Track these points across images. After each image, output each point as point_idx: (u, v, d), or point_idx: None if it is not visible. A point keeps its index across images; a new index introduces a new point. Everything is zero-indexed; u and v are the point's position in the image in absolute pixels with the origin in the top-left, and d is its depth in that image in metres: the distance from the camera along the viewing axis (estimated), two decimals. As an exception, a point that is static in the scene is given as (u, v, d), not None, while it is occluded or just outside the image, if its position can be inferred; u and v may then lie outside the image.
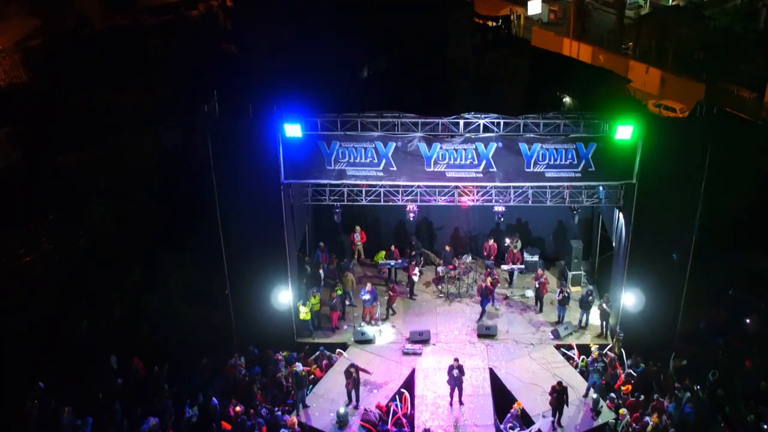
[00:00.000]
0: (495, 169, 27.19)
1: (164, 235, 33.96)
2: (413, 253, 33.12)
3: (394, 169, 27.36)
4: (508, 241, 33.11)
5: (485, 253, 33.42)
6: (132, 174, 36.25)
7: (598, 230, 32.72)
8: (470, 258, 33.37)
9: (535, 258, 33.29)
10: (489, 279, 31.21)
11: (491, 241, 33.25)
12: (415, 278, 32.09)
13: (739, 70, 48.15)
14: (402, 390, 27.57)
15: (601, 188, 27.95)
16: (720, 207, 31.06)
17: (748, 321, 30.49)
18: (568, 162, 26.89)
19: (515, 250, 32.86)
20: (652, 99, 49.78)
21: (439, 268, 32.88)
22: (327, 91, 34.13)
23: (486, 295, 30.72)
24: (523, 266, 32.90)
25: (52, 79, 39.19)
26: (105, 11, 45.85)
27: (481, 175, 27.35)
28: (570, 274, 32.24)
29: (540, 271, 31.69)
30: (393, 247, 33.06)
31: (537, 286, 31.38)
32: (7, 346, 27.94)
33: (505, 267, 32.79)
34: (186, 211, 33.52)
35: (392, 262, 32.81)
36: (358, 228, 33.59)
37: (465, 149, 26.95)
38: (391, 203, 28.62)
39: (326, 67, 37.98)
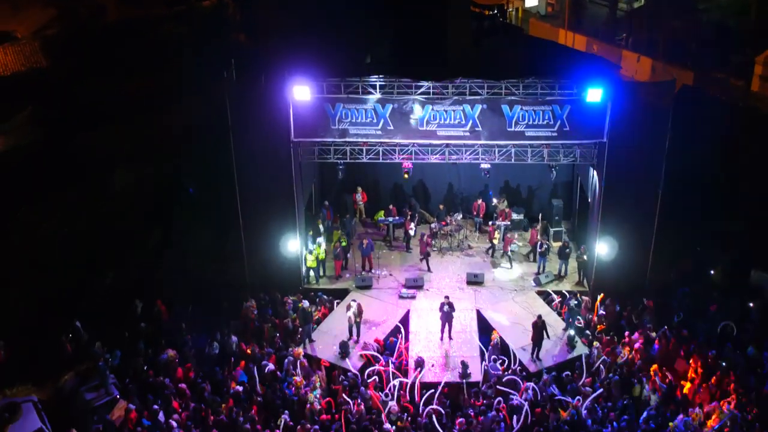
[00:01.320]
0: (480, 129, 30.25)
1: (183, 197, 36.55)
2: (410, 213, 36.11)
3: (391, 128, 30.47)
4: (495, 201, 36.20)
5: (474, 212, 36.54)
6: (152, 142, 38.56)
7: (577, 191, 35.62)
8: (461, 216, 36.49)
9: (521, 216, 36.28)
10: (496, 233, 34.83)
11: (480, 201, 36.38)
12: (411, 233, 35.11)
13: (730, 61, 49.76)
14: (398, 324, 30.50)
15: (577, 149, 31.03)
16: (685, 168, 34.01)
17: (712, 272, 33.07)
18: (545, 122, 29.94)
19: (504, 208, 35.82)
20: (643, 86, 51.90)
21: (433, 225, 35.86)
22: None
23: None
24: (509, 223, 35.74)
25: (70, 66, 40.48)
26: (119, 2, 46.82)
27: (468, 133, 30.42)
28: (552, 231, 35.17)
29: (534, 231, 34.97)
30: (391, 206, 36.17)
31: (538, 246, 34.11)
32: (46, 294, 30.39)
33: (496, 224, 35.50)
34: (204, 175, 36.04)
35: (390, 219, 35.87)
36: (359, 188, 36.70)
37: (453, 110, 30.08)
38: (389, 161, 31.67)
39: (331, 53, 40.19)
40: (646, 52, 52.49)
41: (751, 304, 30.51)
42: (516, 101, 29.71)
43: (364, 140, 31.00)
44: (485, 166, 31.70)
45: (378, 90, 29.78)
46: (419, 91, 29.73)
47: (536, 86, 29.40)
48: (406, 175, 32.23)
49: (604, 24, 60.28)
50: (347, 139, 30.95)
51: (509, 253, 34.52)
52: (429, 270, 34.19)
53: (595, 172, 31.46)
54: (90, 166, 36.00)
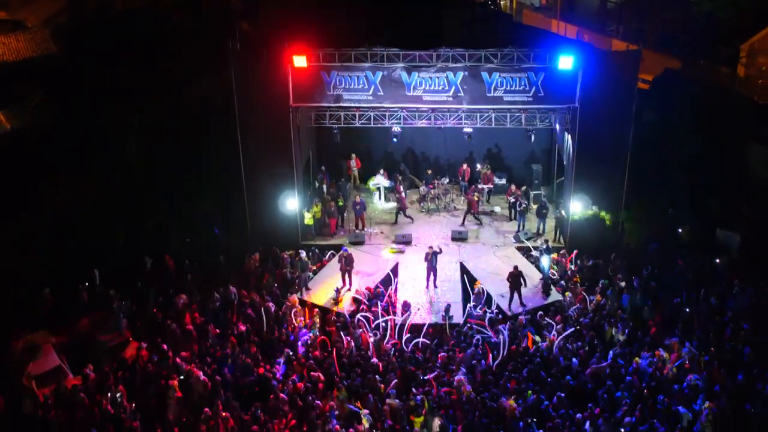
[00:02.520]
0: (462, 94, 32.22)
1: (191, 166, 38.05)
2: (400, 177, 38.05)
3: (381, 93, 32.46)
4: (479, 166, 38.18)
5: (460, 177, 38.49)
6: (161, 119, 40.02)
7: (555, 158, 37.54)
8: (447, 180, 38.46)
9: (503, 181, 38.22)
10: (476, 194, 36.47)
11: (465, 166, 38.37)
12: (402, 193, 37.05)
13: (718, 51, 51.02)
14: (389, 273, 32.44)
15: (552, 114, 32.97)
16: (663, 140, 36.04)
17: (680, 230, 34.95)
18: (521, 88, 31.91)
19: (487, 172, 37.78)
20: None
21: (422, 188, 37.83)
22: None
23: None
24: (493, 186, 37.71)
25: (79, 53, 41.60)
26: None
27: (451, 98, 32.40)
28: (532, 194, 37.06)
29: (513, 187, 36.85)
30: (382, 171, 38.16)
31: (511, 201, 36.36)
32: (64, 251, 32.29)
33: (480, 186, 37.60)
34: (210, 144, 37.91)
35: (382, 184, 37.92)
36: (353, 155, 38.69)
37: (438, 77, 32.08)
38: (380, 126, 33.67)
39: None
40: (635, 41, 53.36)
41: (717, 261, 32.19)
42: (495, 69, 31.70)
43: (357, 105, 32.95)
44: (468, 130, 33.79)
45: (369, 59, 31.70)
46: (407, 59, 31.64)
47: (513, 55, 31.34)
48: (395, 139, 34.16)
49: (595, 15, 61.27)
50: (341, 105, 32.95)
51: (476, 214, 36.57)
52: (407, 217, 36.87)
53: (569, 137, 33.32)
54: (103, 140, 37.77)
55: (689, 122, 38.98)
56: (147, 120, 39.29)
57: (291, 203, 33.67)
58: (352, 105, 33.12)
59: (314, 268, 33.31)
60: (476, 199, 36.25)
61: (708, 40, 47.38)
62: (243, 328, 28.91)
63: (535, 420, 24.14)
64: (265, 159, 33.65)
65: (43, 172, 34.84)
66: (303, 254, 32.18)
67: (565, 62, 30.62)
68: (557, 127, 35.09)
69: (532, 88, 31.87)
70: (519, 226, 35.53)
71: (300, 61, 31.46)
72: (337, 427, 23.74)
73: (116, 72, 39.57)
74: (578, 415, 24.22)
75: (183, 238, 35.06)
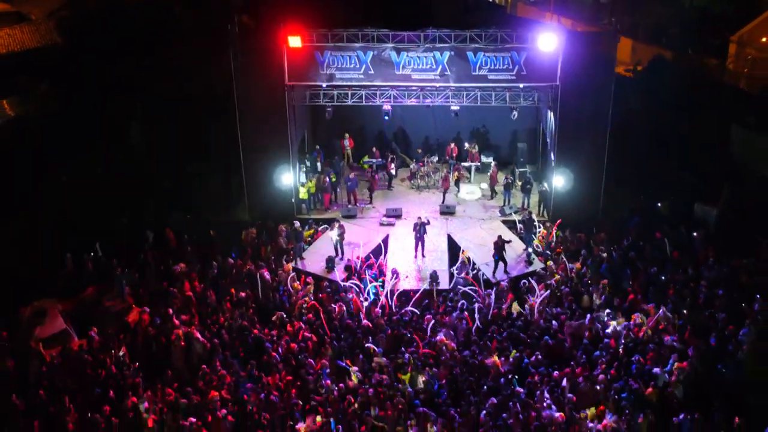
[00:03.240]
0: (449, 73, 33.19)
1: (191, 147, 39.13)
2: (391, 156, 39.01)
3: (372, 72, 33.42)
4: (467, 145, 39.15)
5: (448, 156, 39.44)
6: (163, 104, 41.11)
7: (539, 137, 38.47)
8: (436, 159, 39.44)
9: (490, 160, 39.16)
10: (456, 173, 37.29)
11: (453, 145, 39.35)
12: (392, 172, 38.02)
13: (710, 44, 51.80)
14: (380, 243, 33.42)
15: (535, 92, 33.90)
16: (648, 122, 37.05)
17: (659, 205, 35.93)
18: (505, 67, 32.90)
19: (473, 151, 38.74)
20: (623, 65, 53.87)
21: (412, 166, 38.79)
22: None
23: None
24: (479, 164, 38.67)
25: (83, 44, 42.35)
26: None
27: (438, 77, 33.36)
28: (517, 171, 38.02)
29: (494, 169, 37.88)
30: (374, 149, 39.17)
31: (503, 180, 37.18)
32: (71, 228, 33.30)
33: (465, 164, 38.66)
34: (210, 124, 38.92)
35: (374, 160, 38.80)
36: (347, 135, 39.65)
37: (425, 56, 33.07)
38: (371, 104, 34.73)
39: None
40: (627, 34, 53.97)
41: (695, 234, 33.11)
42: (479, 48, 32.67)
43: (349, 84, 33.90)
44: (455, 108, 34.70)
45: (360, 39, 32.68)
46: (396, 40, 32.64)
47: (497, 35, 32.30)
48: (386, 117, 35.15)
49: (588, 8, 61.90)
50: (334, 83, 33.93)
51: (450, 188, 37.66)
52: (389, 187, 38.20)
53: (551, 114, 34.26)
54: (107, 124, 39.05)
55: (675, 107, 39.99)
56: (149, 104, 40.57)
57: (286, 178, 34.59)
58: (344, 84, 34.05)
59: (308, 239, 34.13)
60: (456, 177, 37.39)
61: (699, 32, 47.95)
62: (243, 294, 29.74)
63: (516, 377, 25.03)
64: (262, 137, 34.57)
65: (50, 155, 35.93)
66: (297, 224, 33.13)
67: (546, 42, 31.57)
68: (546, 110, 35.78)
69: (515, 67, 32.81)
70: (504, 201, 36.46)
71: (295, 42, 32.46)
72: (328, 382, 24.72)
73: (119, 61, 40.65)
74: (555, 373, 25.11)
75: (184, 216, 35.90)
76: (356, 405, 23.99)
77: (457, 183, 37.89)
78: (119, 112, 39.92)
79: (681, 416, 23.01)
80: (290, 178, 34.84)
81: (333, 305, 29.07)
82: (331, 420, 23.26)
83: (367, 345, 26.63)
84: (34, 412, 23.46)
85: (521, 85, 33.95)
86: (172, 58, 40.85)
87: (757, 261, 30.76)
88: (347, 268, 31.68)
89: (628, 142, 36.67)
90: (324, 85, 34.49)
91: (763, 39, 49.82)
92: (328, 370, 25.54)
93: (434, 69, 33.27)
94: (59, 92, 39.92)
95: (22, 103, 38.54)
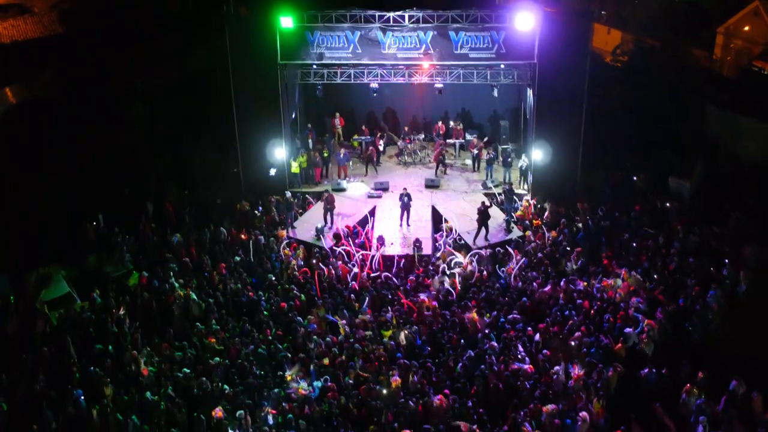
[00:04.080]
0: (432, 51, 34.20)
1: (190, 125, 40.22)
2: (380, 133, 39.99)
3: (360, 51, 34.44)
4: (452, 123, 40.16)
5: (435, 134, 40.44)
6: (163, 82, 42.41)
7: (521, 116, 39.41)
8: (423, 137, 40.46)
9: (473, 137, 40.07)
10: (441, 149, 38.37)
11: (440, 123, 40.34)
12: (380, 147, 38.99)
13: (699, 36, 52.59)
14: (367, 215, 34.40)
15: (515, 70, 34.86)
16: (630, 103, 38.18)
17: (635, 178, 36.74)
18: (485, 46, 33.88)
19: (458, 128, 39.73)
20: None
21: (399, 143, 39.76)
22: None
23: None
24: (464, 141, 39.66)
25: (84, 33, 43.26)
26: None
27: (422, 55, 34.34)
28: (500, 148, 38.98)
29: (475, 140, 38.87)
30: (363, 127, 40.13)
31: (474, 153, 38.36)
32: (78, 200, 34.22)
33: (450, 141, 39.59)
34: (207, 104, 39.95)
35: (363, 138, 39.75)
36: (337, 114, 40.55)
37: (410, 36, 34.08)
38: (359, 82, 35.77)
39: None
40: (616, 25, 54.57)
41: (668, 205, 34.12)
42: (461, 28, 33.71)
43: (338, 63, 34.89)
44: (438, 85, 35.67)
45: (348, 19, 33.77)
46: (382, 20, 33.71)
47: (477, 15, 33.32)
48: (375, 94, 36.49)
49: (579, 2, 62.38)
50: (324, 62, 34.97)
51: (442, 160, 38.65)
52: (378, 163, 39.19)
53: (530, 92, 35.23)
54: (109, 104, 40.09)
55: (655, 89, 40.90)
56: (149, 85, 41.73)
57: (279, 152, 35.55)
58: (334, 62, 35.08)
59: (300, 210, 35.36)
60: (439, 150, 38.52)
61: (688, 25, 48.60)
62: (237, 259, 30.82)
63: (494, 333, 26.06)
64: (256, 114, 35.55)
65: (55, 133, 36.80)
66: (288, 194, 34.15)
67: (523, 22, 32.59)
68: (526, 89, 36.70)
69: (495, 45, 33.83)
70: (486, 175, 37.42)
71: (286, 22, 33.50)
72: (317, 333, 25.83)
73: (120, 47, 41.74)
74: (528, 328, 26.15)
75: (182, 192, 36.75)
76: (343, 357, 25.03)
77: (442, 161, 38.68)
78: (121, 93, 40.97)
79: (647, 370, 23.97)
80: (283, 153, 35.77)
81: (322, 268, 29.97)
82: (312, 371, 24.28)
83: (353, 303, 27.67)
84: (40, 368, 24.41)
85: (502, 65, 35.05)
86: (171, 42, 41.60)
87: (728, 230, 31.69)
88: (336, 236, 32.68)
89: (610, 121, 37.65)
90: (315, 66, 35.62)
91: (746, 28, 50.68)
92: (315, 326, 26.52)
93: (418, 48, 34.25)
94: (62, 77, 40.87)
95: (25, 90, 39.48)
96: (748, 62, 48.24)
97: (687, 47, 49.98)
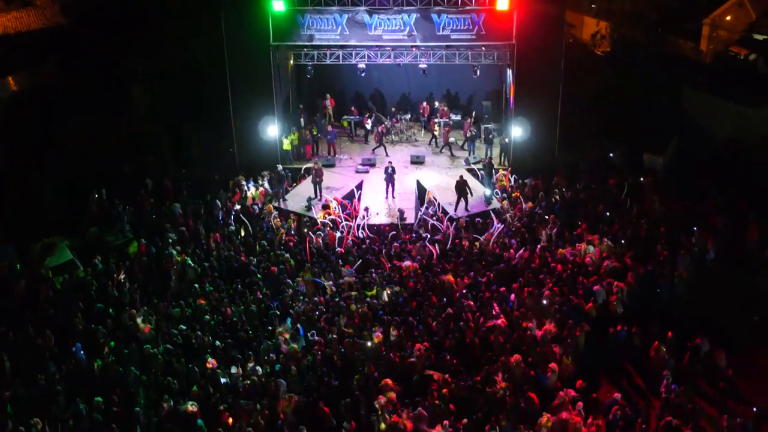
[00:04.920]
0: (416, 33, 35.30)
1: (187, 105, 41.00)
2: (368, 113, 41.07)
3: (347, 33, 35.52)
4: (437, 104, 41.25)
5: (420, 112, 41.57)
6: (162, 66, 43.37)
7: (503, 97, 40.47)
8: (409, 117, 41.58)
9: (458, 117, 41.17)
10: (436, 126, 39.74)
11: (425, 104, 41.49)
12: (368, 126, 40.07)
13: (687, 28, 53.45)
14: (354, 188, 35.61)
15: (495, 51, 35.94)
16: (609, 88, 39.57)
17: (612, 155, 38.01)
18: (466, 27, 34.96)
19: (444, 108, 40.82)
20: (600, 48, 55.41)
21: (386, 122, 40.82)
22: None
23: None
24: (449, 120, 40.64)
25: (86, 23, 43.95)
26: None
27: (406, 37, 35.45)
28: (483, 127, 40.03)
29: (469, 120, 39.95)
30: (353, 107, 41.28)
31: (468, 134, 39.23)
32: (81, 176, 35.44)
33: (436, 120, 40.53)
34: (203, 87, 40.67)
35: (352, 117, 40.91)
36: (328, 95, 41.63)
37: (394, 18, 35.17)
38: (348, 63, 36.89)
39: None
40: (606, 18, 55.19)
41: (642, 179, 35.32)
42: (442, 10, 34.83)
43: (327, 45, 36.01)
44: (423, 66, 36.79)
45: (336, 2, 34.92)
46: (368, 2, 34.85)
47: (458, -1, 34.50)
48: (362, 74, 37.60)
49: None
50: (314, 44, 36.09)
51: (449, 143, 39.38)
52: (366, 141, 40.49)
53: (510, 72, 36.30)
54: (111, 87, 40.94)
55: (637, 74, 42.57)
56: (149, 69, 42.78)
57: (271, 130, 36.63)
58: (323, 44, 36.18)
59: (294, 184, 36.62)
60: (437, 129, 39.65)
61: (676, 17, 49.64)
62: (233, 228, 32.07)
63: (471, 293, 27.20)
64: (250, 94, 36.69)
65: (59, 115, 38.11)
66: (279, 167, 35.25)
67: (503, 2, 33.66)
68: (507, 70, 37.70)
69: (475, 27, 34.92)
70: (469, 152, 38.50)
71: (278, 5, 34.68)
72: (305, 294, 26.99)
73: (121, 35, 42.66)
74: (503, 289, 27.27)
75: (180, 168, 38.05)
76: (329, 314, 26.18)
77: (449, 143, 39.75)
78: (121, 77, 41.89)
79: (618, 328, 25.06)
80: (275, 130, 36.79)
81: (312, 236, 31.11)
82: (299, 327, 25.42)
83: (339, 266, 28.82)
84: (45, 328, 25.44)
85: (483, 48, 36.20)
86: (170, 28, 42.62)
87: (698, 202, 33.01)
88: (324, 206, 33.81)
89: (590, 101, 38.76)
90: (305, 49, 36.85)
91: (727, 18, 51.51)
92: (303, 287, 27.66)
93: (402, 30, 35.34)
94: (64, 65, 41.99)
95: (29, 77, 40.56)
96: (725, 48, 49.01)
97: (674, 39, 50.71)
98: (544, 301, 26.56)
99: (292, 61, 37.32)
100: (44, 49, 42.14)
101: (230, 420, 22.11)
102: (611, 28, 50.39)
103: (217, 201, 33.78)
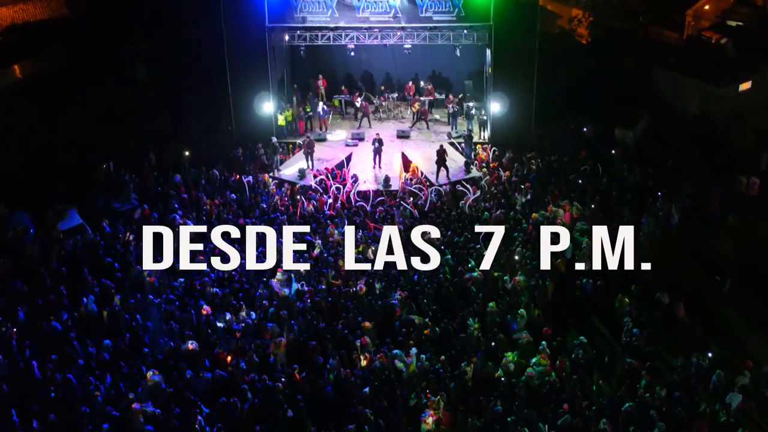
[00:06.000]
0: (401, 15, 36.84)
1: (188, 86, 42.50)
2: (358, 92, 42.60)
3: (337, 15, 37.03)
4: (422, 83, 42.83)
5: (406, 93, 43.12)
6: (165, 46, 45.14)
7: (484, 76, 41.90)
8: (396, 95, 43.20)
9: (443, 96, 42.71)
10: (417, 104, 41.12)
11: (410, 84, 43.00)
12: (357, 104, 41.61)
13: (672, 20, 54.58)
14: (344, 159, 37.21)
15: (474, 32, 37.51)
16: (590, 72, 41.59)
17: (585, 129, 39.44)
18: (447, 9, 36.47)
19: (429, 87, 42.40)
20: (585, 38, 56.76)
21: (375, 100, 42.44)
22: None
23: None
24: (434, 98, 42.29)
25: (90, 12, 46.20)
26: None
27: (392, 19, 36.97)
28: (465, 105, 41.57)
29: (451, 97, 41.47)
30: (343, 87, 42.81)
31: (450, 109, 40.91)
32: (89, 150, 36.83)
33: (422, 98, 42.08)
34: (203, 66, 42.26)
35: (343, 96, 42.51)
36: (320, 76, 43.09)
37: (380, 1, 36.74)
38: (338, 44, 38.45)
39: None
40: (592, 10, 55.77)
41: (613, 152, 37.01)
42: (425, -7, 36.39)
43: (318, 26, 37.55)
44: (407, 46, 38.30)
45: (326, -13, 36.52)
46: (355, -13, 36.44)
47: (439, -19, 36.02)
48: (352, 53, 39.26)
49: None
50: (306, 25, 37.53)
51: (427, 120, 41.10)
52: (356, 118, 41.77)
53: (489, 51, 37.87)
54: (116, 67, 42.98)
55: (613, 57, 43.80)
56: (153, 49, 44.75)
57: (267, 106, 38.21)
58: (314, 26, 37.61)
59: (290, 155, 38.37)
60: (417, 107, 41.08)
61: (662, 9, 50.16)
62: (234, 195, 33.75)
63: (449, 250, 28.90)
64: (247, 73, 38.14)
65: (68, 94, 39.91)
66: (274, 139, 36.91)
67: (479, -17, 35.34)
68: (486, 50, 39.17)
69: (456, 9, 36.45)
70: (452, 127, 40.10)
71: (273, -12, 36.21)
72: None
73: (125, 23, 44.63)
74: (479, 246, 28.95)
75: (181, 148, 38.93)
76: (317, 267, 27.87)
77: (420, 117, 41.34)
78: (126, 59, 43.59)
79: (585, 281, 26.69)
80: (270, 107, 38.36)
81: (304, 202, 32.78)
82: (293, 276, 27.09)
83: (328, 227, 30.52)
84: (58, 284, 27.10)
85: (465, 31, 37.58)
86: (171, 11, 44.25)
87: (665, 171, 34.64)
88: (315, 175, 35.41)
89: (569, 83, 40.34)
90: (298, 31, 38.22)
91: (706, 7, 52.56)
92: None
93: (388, 12, 36.81)
94: (69, 51, 43.78)
95: (34, 64, 42.03)
96: (697, 33, 50.16)
97: (659, 29, 51.77)
98: (516, 257, 28.06)
99: (286, 42, 38.44)
100: (49, 38, 43.78)
101: (228, 358, 23.73)
102: (590, 15, 51.33)
103: (215, 171, 35.06)
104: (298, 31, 38.03)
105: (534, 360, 23.42)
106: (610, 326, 26.07)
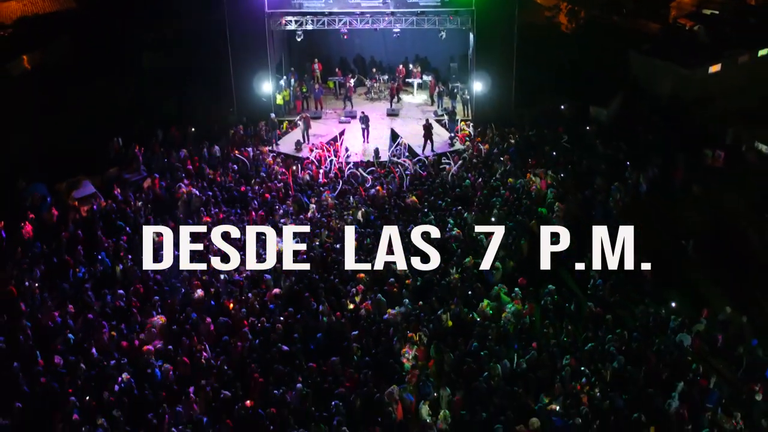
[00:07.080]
0: (389, 1, 38.48)
1: (191, 69, 44.04)
2: (350, 74, 44.36)
3: (331, 2, 38.63)
4: (411, 66, 44.60)
5: (396, 74, 44.88)
6: (169, 33, 46.82)
7: (471, 60, 43.43)
8: (387, 78, 44.98)
9: (430, 78, 44.38)
10: (396, 83, 42.96)
11: (401, 66, 44.70)
12: (350, 84, 43.30)
13: (658, 13, 55.66)
14: (337, 135, 39.03)
15: (458, 17, 39.20)
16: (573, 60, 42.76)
17: (562, 107, 40.86)
18: (432, -5, 38.30)
19: (416, 70, 44.20)
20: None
21: (367, 82, 44.19)
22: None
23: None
24: (421, 80, 44.07)
25: (96, 4, 47.07)
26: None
27: (381, 4, 38.59)
28: (450, 86, 43.27)
29: (432, 82, 43.27)
30: (337, 69, 44.51)
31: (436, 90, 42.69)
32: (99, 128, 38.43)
33: (409, 80, 44.00)
34: (206, 54, 43.66)
35: (337, 78, 44.21)
36: (316, 60, 44.78)
37: (371, -11, 38.44)
38: (332, 28, 40.04)
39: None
40: (581, 4, 56.91)
41: (588, 128, 38.61)
42: (411, -20, 38.07)
43: (313, 12, 39.14)
44: (396, 30, 39.82)
45: (321, -25, 38.21)
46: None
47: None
48: (345, 37, 40.62)
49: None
50: (302, 11, 39.09)
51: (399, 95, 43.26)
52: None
53: (472, 36, 39.58)
54: (123, 53, 44.06)
55: (593, 44, 45.34)
56: (158, 37, 46.33)
57: (266, 86, 39.86)
58: (310, 11, 39.16)
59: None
60: (397, 86, 43.17)
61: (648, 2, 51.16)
62: (235, 167, 35.57)
63: (431, 212, 30.73)
64: (247, 56, 39.63)
65: (78, 80, 41.17)
66: (272, 115, 38.65)
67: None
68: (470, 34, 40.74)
69: (440, -6, 38.15)
70: (437, 106, 41.95)
71: (271, -24, 37.86)
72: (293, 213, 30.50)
73: (130, 14, 45.87)
74: (459, 208, 30.81)
75: (185, 129, 40.39)
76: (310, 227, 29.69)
77: (397, 92, 43.26)
78: (132, 45, 45.07)
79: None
80: (269, 87, 39.98)
81: (299, 172, 34.61)
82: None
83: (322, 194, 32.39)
84: (74, 245, 28.94)
85: (449, 16, 38.96)
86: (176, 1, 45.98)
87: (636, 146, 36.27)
88: (311, 149, 37.20)
89: (549, 66, 42.13)
90: (295, 16, 39.61)
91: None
92: (291, 209, 31.16)
93: (377, -2, 38.46)
94: (77, 41, 44.88)
95: (42, 54, 43.17)
96: (673, 20, 51.38)
97: (645, 22, 52.99)
98: (493, 218, 29.89)
99: (284, 27, 40.08)
100: (57, 30, 44.91)
101: (231, 305, 25.61)
102: (568, 4, 52.51)
103: (217, 146, 36.85)
104: (296, 17, 39.44)
105: (509, 305, 25.08)
106: (578, 280, 27.72)
